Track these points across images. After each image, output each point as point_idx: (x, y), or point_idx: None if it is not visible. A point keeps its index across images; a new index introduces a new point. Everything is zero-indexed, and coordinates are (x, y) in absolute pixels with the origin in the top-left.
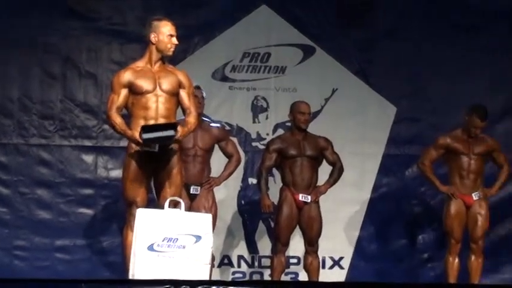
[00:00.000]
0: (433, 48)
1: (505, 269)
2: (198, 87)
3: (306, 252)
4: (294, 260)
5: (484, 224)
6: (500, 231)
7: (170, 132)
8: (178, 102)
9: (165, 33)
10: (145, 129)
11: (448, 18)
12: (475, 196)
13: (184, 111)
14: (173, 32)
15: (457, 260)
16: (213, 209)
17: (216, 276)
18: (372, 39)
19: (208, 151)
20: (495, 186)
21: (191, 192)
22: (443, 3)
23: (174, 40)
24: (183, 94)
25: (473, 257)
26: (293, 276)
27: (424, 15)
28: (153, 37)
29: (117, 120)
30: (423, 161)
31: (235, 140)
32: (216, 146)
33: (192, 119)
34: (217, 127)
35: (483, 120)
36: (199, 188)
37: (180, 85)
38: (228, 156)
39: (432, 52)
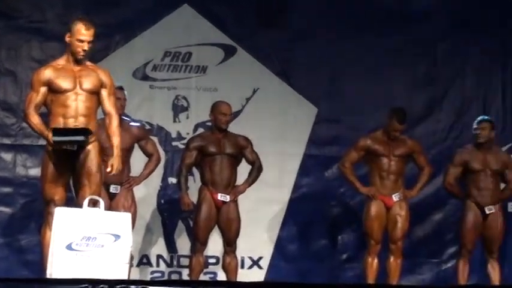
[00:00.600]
0: (352, 49)
1: (423, 270)
2: (120, 88)
3: (225, 252)
4: (213, 260)
5: (404, 225)
6: (419, 233)
7: (80, 138)
8: (99, 101)
9: (75, 36)
10: (56, 131)
11: (367, 18)
12: (395, 197)
13: (104, 113)
14: (84, 37)
15: (376, 260)
16: (132, 208)
17: (134, 276)
18: (292, 40)
19: (128, 150)
20: (416, 188)
21: (111, 191)
22: (362, 4)
23: (84, 45)
24: (104, 94)
25: (392, 258)
26: (212, 276)
27: (343, 15)
28: (67, 37)
29: (34, 119)
30: (344, 163)
31: (155, 139)
32: (136, 145)
33: (114, 128)
34: (137, 126)
35: (401, 123)
36: (119, 187)
37: (101, 84)
38: (148, 155)
39: (351, 53)
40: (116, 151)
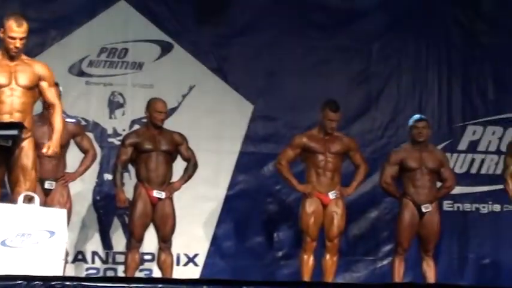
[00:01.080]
0: (289, 46)
1: (358, 268)
2: (56, 84)
3: (160, 249)
4: (148, 257)
5: (340, 223)
6: (355, 230)
7: (14, 132)
8: (37, 96)
9: (7, 33)
10: None
11: (304, 16)
12: (331, 195)
13: (47, 105)
14: (15, 34)
15: (312, 258)
16: (67, 205)
17: (70, 272)
18: (228, 36)
19: (64, 146)
20: (352, 186)
21: (46, 187)
22: (300, 1)
23: (16, 42)
24: (44, 86)
25: (328, 256)
26: (147, 272)
27: (280, 12)
28: (1, 33)
29: None
30: (280, 161)
31: (91, 135)
32: (72, 141)
33: (58, 116)
34: (73, 123)
35: (335, 111)
36: (54, 183)
37: (39, 78)
38: (84, 151)
39: (288, 50)
40: (56, 135)
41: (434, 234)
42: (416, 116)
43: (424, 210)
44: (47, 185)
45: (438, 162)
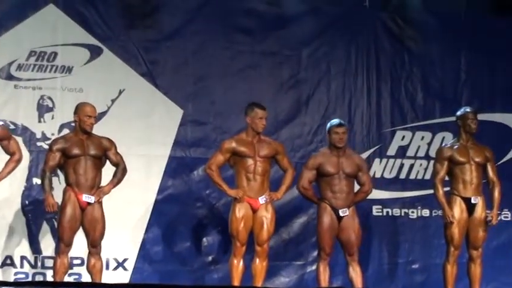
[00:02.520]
0: (217, 51)
1: (288, 272)
2: None
3: (89, 254)
4: (78, 261)
5: (270, 228)
6: (284, 235)
7: None
8: None
9: None
10: None
11: (232, 21)
12: (261, 200)
13: None
14: None
15: (241, 262)
16: None
17: None
18: (158, 41)
19: None
20: (281, 190)
21: None
22: (229, 6)
23: None
24: None
25: (257, 260)
26: (76, 277)
27: (209, 17)
28: None
29: None
30: (210, 166)
31: (20, 139)
32: None
33: None
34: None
35: (263, 108)
36: None
37: None
38: (10, 154)
39: (217, 55)
40: None
41: (354, 239)
42: (336, 121)
43: (341, 214)
44: None
45: (356, 167)
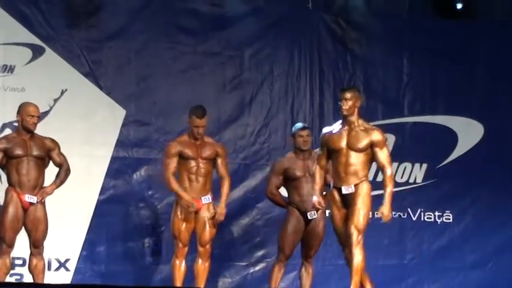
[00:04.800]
0: (159, 51)
1: (231, 273)
2: None
3: (31, 254)
4: (19, 261)
5: (212, 229)
6: (227, 236)
7: None
8: None
9: None
10: None
11: (175, 21)
12: (204, 200)
13: None
14: None
15: (184, 263)
16: None
17: None
18: (100, 41)
19: None
20: (221, 202)
21: None
22: (172, 7)
23: None
24: None
25: (200, 261)
26: (18, 277)
27: (151, 17)
28: None
29: None
30: (166, 174)
31: None
32: None
33: None
34: None
35: (200, 117)
36: None
37: None
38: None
39: (159, 55)
40: None
41: (317, 242)
42: (300, 125)
43: (309, 217)
44: None
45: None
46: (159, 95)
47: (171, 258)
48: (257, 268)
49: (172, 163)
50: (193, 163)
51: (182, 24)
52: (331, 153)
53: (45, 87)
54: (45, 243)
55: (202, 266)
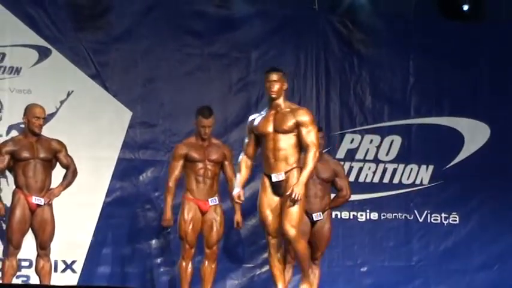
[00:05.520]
0: (166, 53)
1: (237, 275)
2: None
3: (38, 256)
4: (26, 263)
5: (219, 230)
6: (233, 238)
7: None
8: None
9: None
10: None
11: (182, 23)
12: (211, 202)
13: None
14: None
15: (190, 265)
16: None
17: None
18: (107, 43)
19: None
20: (238, 213)
21: None
22: (178, 9)
23: None
24: None
25: (206, 263)
26: (24, 279)
27: (158, 19)
28: None
29: None
30: (168, 182)
31: None
32: None
33: None
34: None
35: (207, 117)
36: None
37: None
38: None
39: (166, 57)
40: None
41: (324, 243)
42: None
43: (315, 218)
44: None
45: (332, 172)
46: (166, 97)
47: (177, 260)
48: (264, 270)
49: (178, 166)
50: (200, 165)
51: (188, 26)
52: (260, 139)
53: (51, 89)
54: (52, 245)
55: (209, 268)
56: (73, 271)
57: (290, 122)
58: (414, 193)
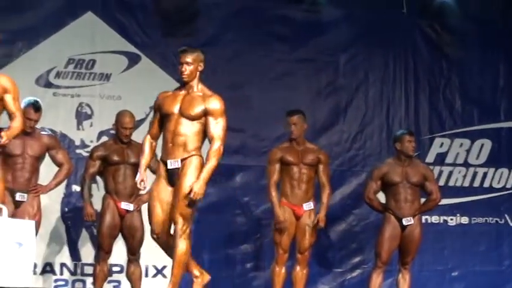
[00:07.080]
0: (254, 58)
1: (327, 280)
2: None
3: (129, 261)
4: (117, 268)
5: (312, 236)
6: (324, 242)
7: None
8: (1, 109)
9: None
10: None
11: (269, 28)
12: (305, 206)
13: (10, 116)
14: None
15: (283, 269)
16: (37, 216)
17: (38, 284)
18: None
19: (38, 159)
20: (322, 213)
21: (17, 199)
22: (265, 14)
23: None
24: (8, 99)
25: (298, 268)
26: (116, 284)
27: (245, 24)
28: None
29: None
30: (269, 186)
31: None
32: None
33: (16, 123)
34: (48, 135)
35: (291, 115)
36: (25, 195)
37: (5, 91)
38: (58, 165)
39: (256, 62)
40: (9, 132)
41: (414, 248)
42: (405, 131)
43: (405, 223)
44: (18, 197)
45: (421, 176)
46: (254, 102)
47: (268, 264)
48: (354, 274)
49: (274, 170)
50: (295, 169)
51: (276, 31)
52: (163, 119)
53: (141, 94)
54: (142, 250)
55: (300, 273)
56: (164, 276)
57: (198, 109)
58: (505, 197)
